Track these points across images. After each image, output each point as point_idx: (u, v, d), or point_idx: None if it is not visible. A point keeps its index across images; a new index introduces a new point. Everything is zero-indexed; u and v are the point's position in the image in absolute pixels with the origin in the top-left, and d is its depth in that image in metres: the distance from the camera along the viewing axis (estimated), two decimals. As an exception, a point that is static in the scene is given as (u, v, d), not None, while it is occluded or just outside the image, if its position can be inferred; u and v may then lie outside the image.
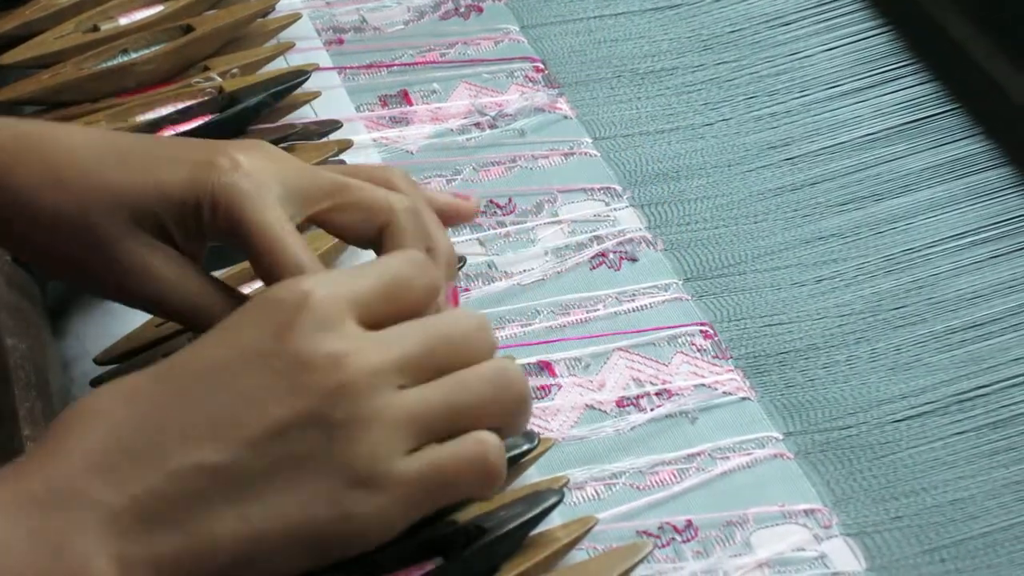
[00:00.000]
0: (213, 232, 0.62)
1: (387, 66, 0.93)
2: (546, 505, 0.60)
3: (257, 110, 0.83)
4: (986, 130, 0.86)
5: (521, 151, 0.88)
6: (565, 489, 0.63)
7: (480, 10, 0.97)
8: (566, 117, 0.90)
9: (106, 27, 0.87)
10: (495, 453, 0.53)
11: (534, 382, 0.74)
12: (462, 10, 0.97)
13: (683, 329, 0.77)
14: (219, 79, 0.85)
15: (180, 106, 0.83)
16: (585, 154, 0.87)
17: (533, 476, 0.65)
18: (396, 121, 0.89)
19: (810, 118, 0.89)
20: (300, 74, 0.86)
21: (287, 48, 0.89)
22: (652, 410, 0.73)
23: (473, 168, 0.87)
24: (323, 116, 0.86)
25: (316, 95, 0.86)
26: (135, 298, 0.64)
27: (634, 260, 0.81)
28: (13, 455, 0.70)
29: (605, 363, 0.75)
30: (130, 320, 0.72)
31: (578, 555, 0.63)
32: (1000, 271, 0.79)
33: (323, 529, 0.51)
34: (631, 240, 0.82)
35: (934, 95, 0.89)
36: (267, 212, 0.60)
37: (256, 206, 0.60)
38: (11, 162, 0.63)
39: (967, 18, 0.91)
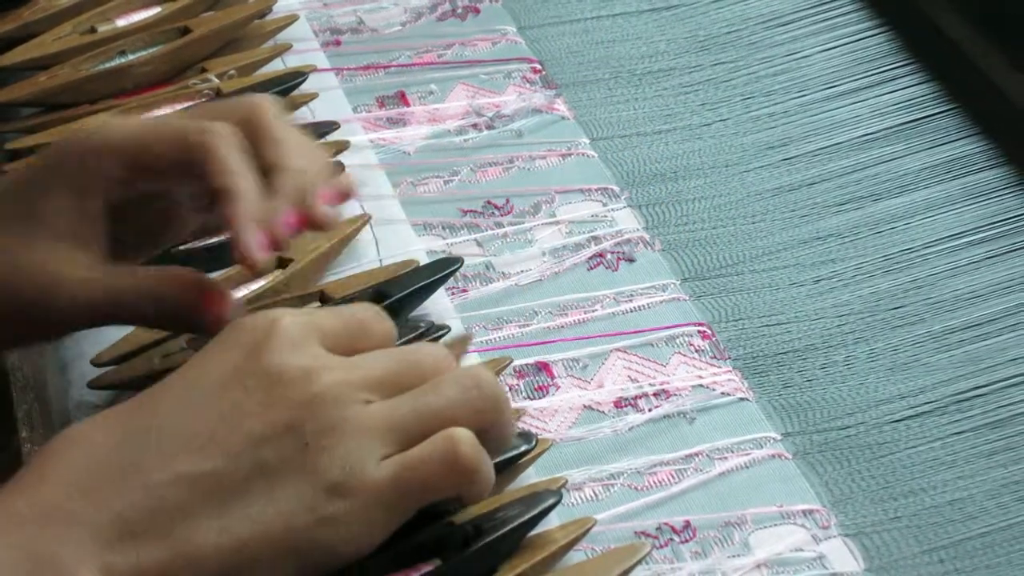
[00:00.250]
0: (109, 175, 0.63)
1: (384, 67, 0.93)
2: (544, 506, 0.60)
3: (254, 111, 0.83)
4: (984, 130, 0.86)
5: (519, 152, 0.88)
6: (563, 490, 0.63)
7: (477, 11, 0.97)
8: (563, 118, 0.90)
9: (104, 29, 0.87)
10: (466, 446, 0.54)
11: (532, 383, 0.74)
12: (459, 11, 0.97)
13: (681, 329, 0.77)
14: (216, 80, 0.85)
15: (178, 107, 0.83)
16: (583, 155, 0.87)
17: (531, 477, 0.65)
18: (393, 122, 0.89)
19: (808, 118, 0.89)
20: (297, 75, 0.86)
21: (284, 49, 0.89)
22: (650, 411, 0.73)
23: (471, 169, 0.87)
24: (320, 117, 0.86)
25: (313, 96, 0.86)
26: (57, 313, 0.64)
27: (632, 261, 0.81)
28: (11, 456, 0.70)
29: (603, 364, 0.75)
30: (128, 322, 0.72)
31: (576, 556, 0.63)
32: (998, 271, 0.79)
33: (303, 535, 0.52)
34: (629, 240, 0.82)
35: (931, 95, 0.89)
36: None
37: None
38: None
39: (964, 18, 0.91)
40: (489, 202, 0.84)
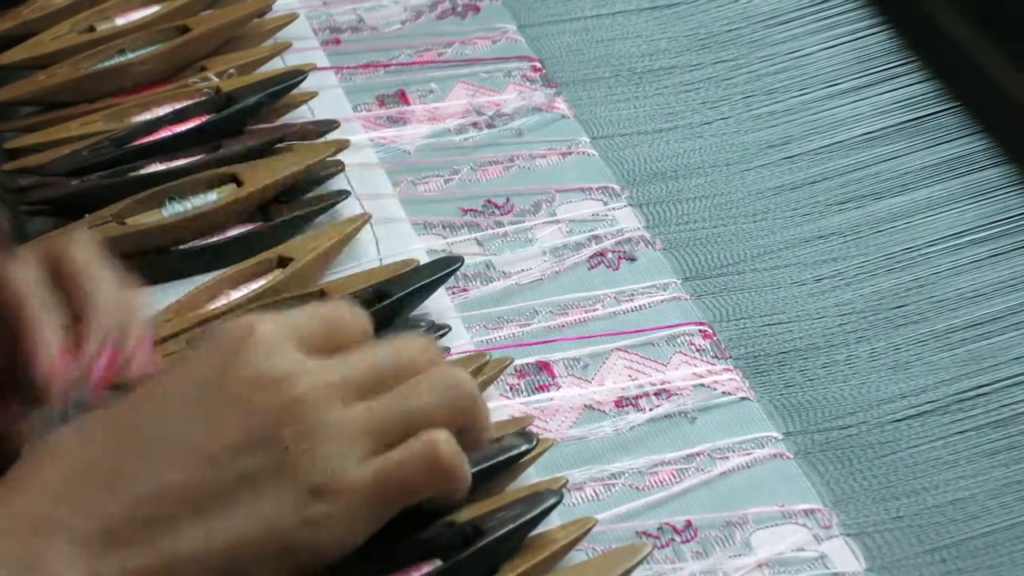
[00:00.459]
0: None
1: (384, 66, 0.93)
2: (545, 506, 0.60)
3: (254, 110, 0.83)
4: (985, 128, 0.86)
5: (519, 150, 0.87)
6: (564, 490, 0.63)
7: (477, 9, 0.97)
8: (564, 116, 0.90)
9: (103, 27, 0.87)
10: (444, 446, 0.54)
11: (533, 382, 0.74)
12: (459, 9, 0.97)
13: (682, 329, 0.77)
14: (216, 79, 0.85)
15: (177, 106, 0.83)
16: (583, 153, 0.87)
17: (532, 477, 0.65)
18: (393, 121, 0.89)
19: (809, 117, 0.88)
20: (297, 74, 0.86)
21: (284, 48, 0.89)
22: (651, 410, 0.73)
23: (471, 168, 0.86)
24: (320, 116, 0.86)
25: (313, 95, 0.86)
26: None
27: (632, 260, 0.81)
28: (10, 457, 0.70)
29: (604, 363, 0.75)
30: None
31: (577, 556, 0.63)
32: (1000, 270, 0.79)
33: (288, 539, 0.53)
34: (629, 239, 0.82)
35: (933, 93, 0.88)
36: None
37: None
38: None
39: (965, 16, 0.91)
40: (489, 201, 0.84)
